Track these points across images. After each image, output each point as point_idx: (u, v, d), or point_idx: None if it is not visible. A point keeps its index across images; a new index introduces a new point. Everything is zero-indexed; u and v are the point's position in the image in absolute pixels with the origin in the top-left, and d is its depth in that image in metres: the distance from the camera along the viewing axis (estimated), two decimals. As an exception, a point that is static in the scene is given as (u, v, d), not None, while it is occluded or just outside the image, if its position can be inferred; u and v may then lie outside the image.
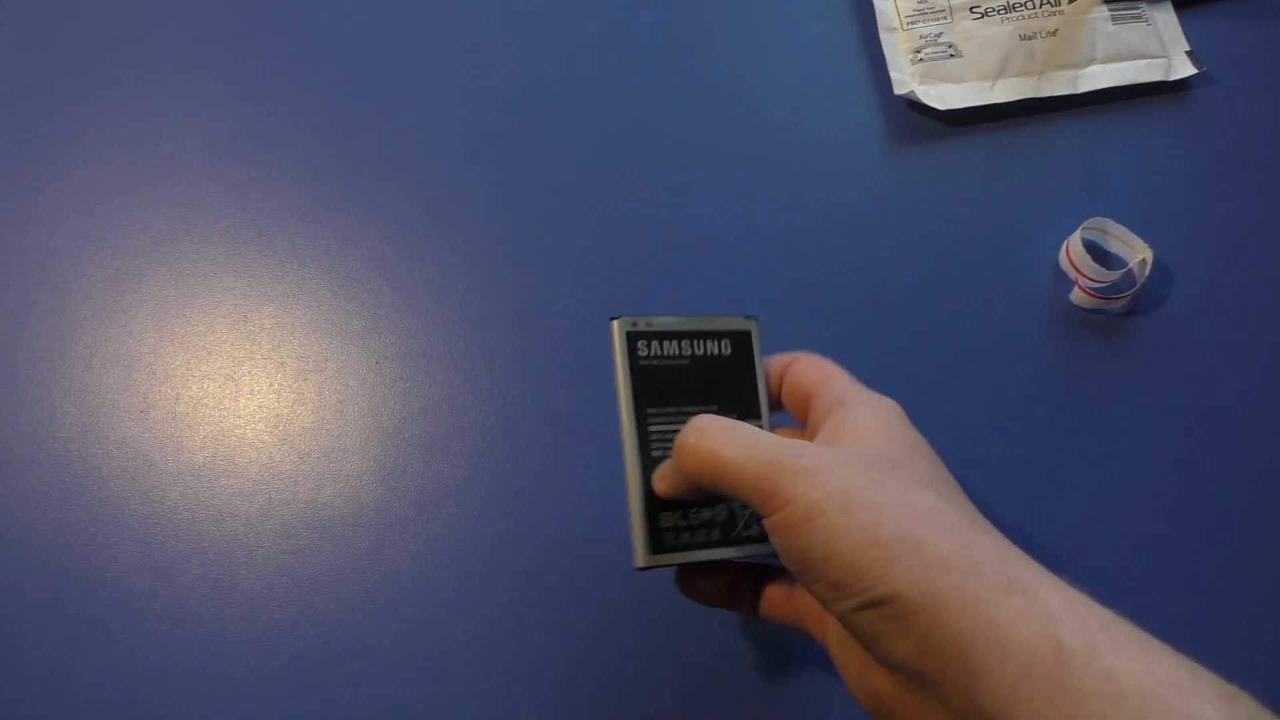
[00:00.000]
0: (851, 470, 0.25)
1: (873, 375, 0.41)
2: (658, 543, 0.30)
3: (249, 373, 0.41)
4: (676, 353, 0.31)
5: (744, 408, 0.32)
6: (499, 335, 0.42)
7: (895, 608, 0.24)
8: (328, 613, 0.37)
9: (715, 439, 0.27)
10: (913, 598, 0.23)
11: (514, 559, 0.38)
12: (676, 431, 0.29)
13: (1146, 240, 0.42)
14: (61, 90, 0.47)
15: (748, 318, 0.33)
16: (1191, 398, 0.40)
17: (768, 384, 0.33)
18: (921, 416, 0.40)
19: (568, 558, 0.38)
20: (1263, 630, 0.36)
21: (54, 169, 0.45)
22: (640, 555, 0.30)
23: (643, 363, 0.31)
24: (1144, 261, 0.42)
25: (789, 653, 0.36)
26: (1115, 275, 0.41)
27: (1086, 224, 0.42)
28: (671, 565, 0.30)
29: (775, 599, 0.32)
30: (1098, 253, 0.43)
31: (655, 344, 0.31)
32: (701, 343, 0.32)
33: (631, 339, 0.31)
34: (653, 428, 0.31)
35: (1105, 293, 0.41)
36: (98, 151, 0.46)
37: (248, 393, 0.41)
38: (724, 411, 0.32)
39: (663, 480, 0.30)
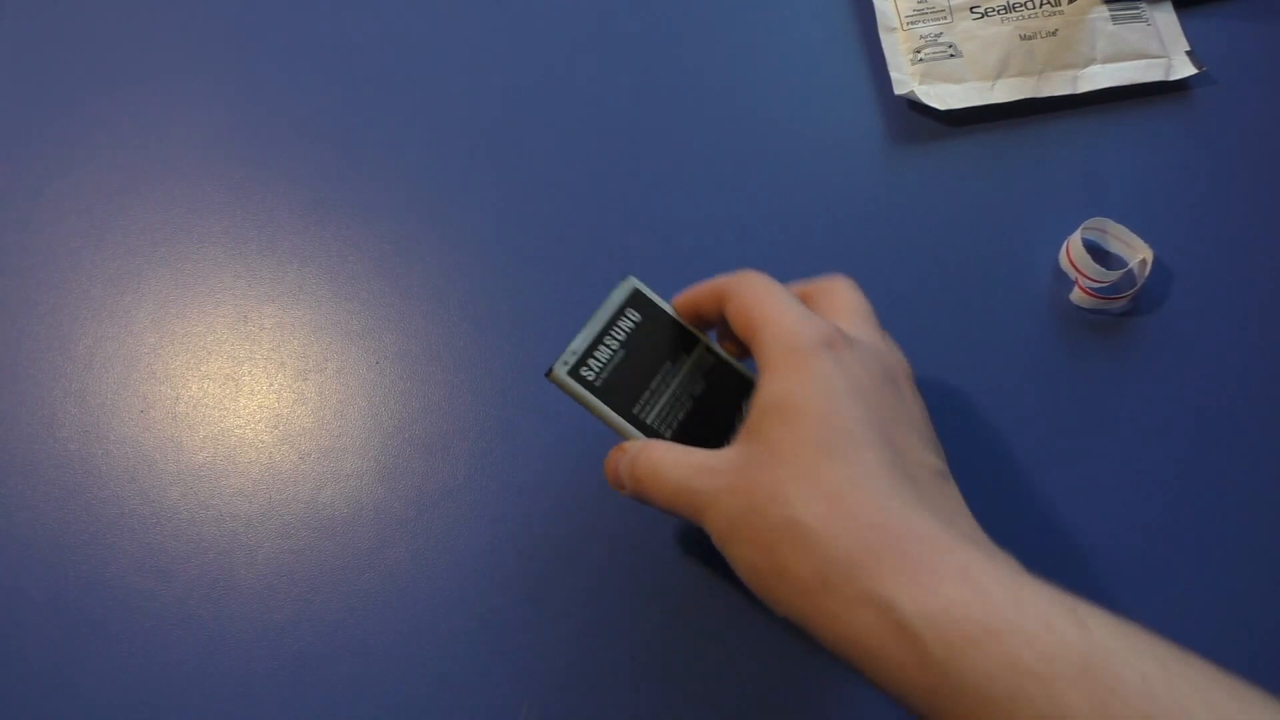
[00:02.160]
0: (737, 492, 0.28)
1: (873, 375, 0.41)
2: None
3: (249, 373, 0.41)
4: (611, 354, 0.35)
5: (685, 345, 0.36)
6: (499, 335, 0.42)
7: (795, 623, 0.27)
8: (328, 613, 0.37)
9: (646, 479, 0.31)
10: (794, 618, 0.27)
11: (514, 559, 0.38)
12: (669, 404, 0.34)
13: (1146, 240, 0.42)
14: (62, 90, 0.47)
15: (624, 280, 0.36)
16: (1191, 398, 0.40)
17: (693, 310, 0.35)
18: (921, 416, 0.40)
19: (568, 558, 0.38)
20: (1262, 629, 0.36)
21: (54, 169, 0.45)
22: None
23: (598, 382, 0.34)
24: (1144, 261, 0.42)
25: (792, 654, 0.36)
26: (1115, 275, 0.41)
27: (1086, 224, 0.42)
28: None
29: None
30: (1098, 253, 0.43)
31: (592, 361, 0.35)
32: (618, 329, 0.35)
33: (575, 374, 0.34)
34: (648, 419, 0.34)
35: (1105, 293, 0.41)
36: (98, 151, 0.46)
37: (248, 393, 0.41)
38: (677, 362, 0.35)
39: (611, 468, 0.33)
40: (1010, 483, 0.39)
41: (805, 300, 0.33)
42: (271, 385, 0.41)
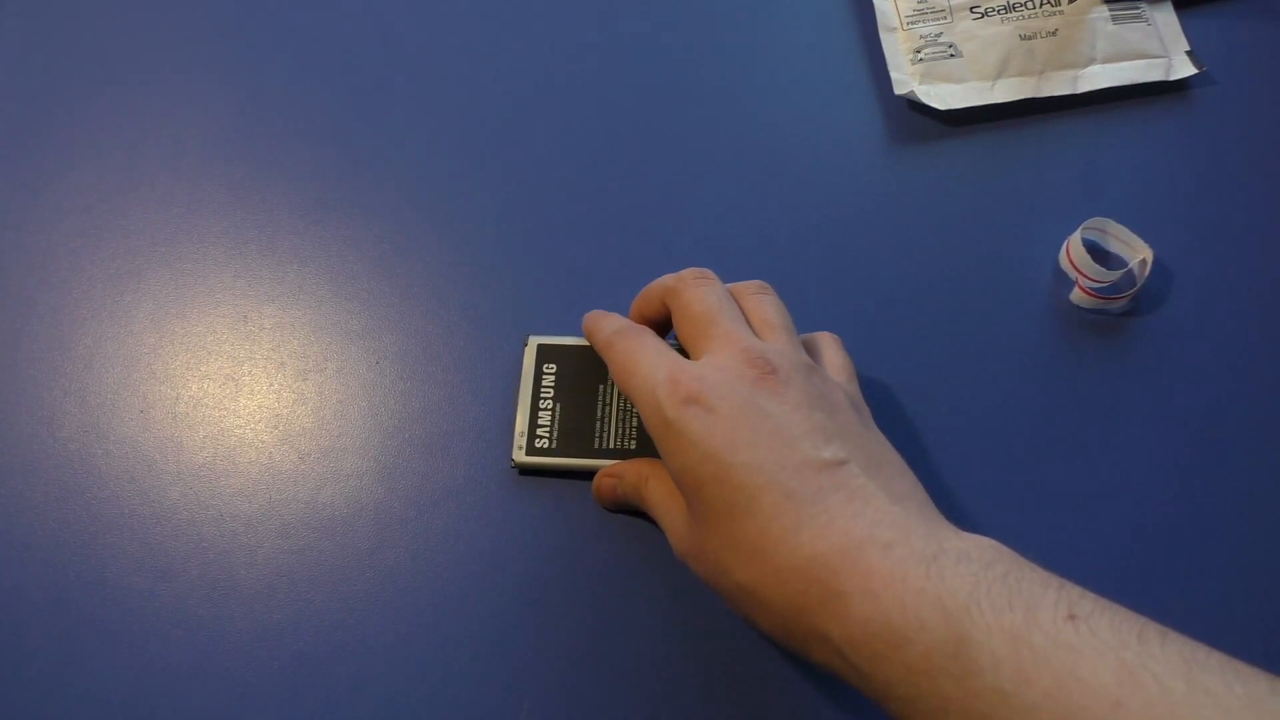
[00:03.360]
0: (697, 560, 0.31)
1: (872, 374, 0.41)
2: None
3: (249, 373, 0.41)
4: (550, 413, 0.38)
5: (598, 370, 0.39)
6: (499, 335, 0.42)
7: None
8: (328, 613, 0.37)
9: (646, 501, 0.35)
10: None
11: (514, 559, 0.38)
12: (620, 419, 0.38)
13: (1146, 240, 0.42)
14: (61, 90, 0.47)
15: (526, 343, 0.40)
16: (1191, 398, 0.40)
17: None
18: (921, 417, 0.40)
19: (568, 558, 0.38)
20: (1263, 630, 0.36)
21: (54, 169, 0.45)
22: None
23: (555, 444, 0.38)
24: (1144, 261, 0.42)
25: (791, 655, 0.36)
26: (1115, 275, 0.41)
27: (1086, 224, 0.42)
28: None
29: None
30: (1098, 253, 0.43)
31: (539, 430, 0.38)
32: (545, 389, 0.38)
33: (531, 450, 0.38)
34: (609, 444, 0.38)
35: (1105, 293, 0.41)
36: (98, 151, 0.46)
37: (248, 393, 0.41)
38: (607, 380, 0.38)
39: (608, 493, 0.37)
40: (1010, 483, 0.39)
41: (678, 325, 0.34)
42: (271, 385, 0.41)
